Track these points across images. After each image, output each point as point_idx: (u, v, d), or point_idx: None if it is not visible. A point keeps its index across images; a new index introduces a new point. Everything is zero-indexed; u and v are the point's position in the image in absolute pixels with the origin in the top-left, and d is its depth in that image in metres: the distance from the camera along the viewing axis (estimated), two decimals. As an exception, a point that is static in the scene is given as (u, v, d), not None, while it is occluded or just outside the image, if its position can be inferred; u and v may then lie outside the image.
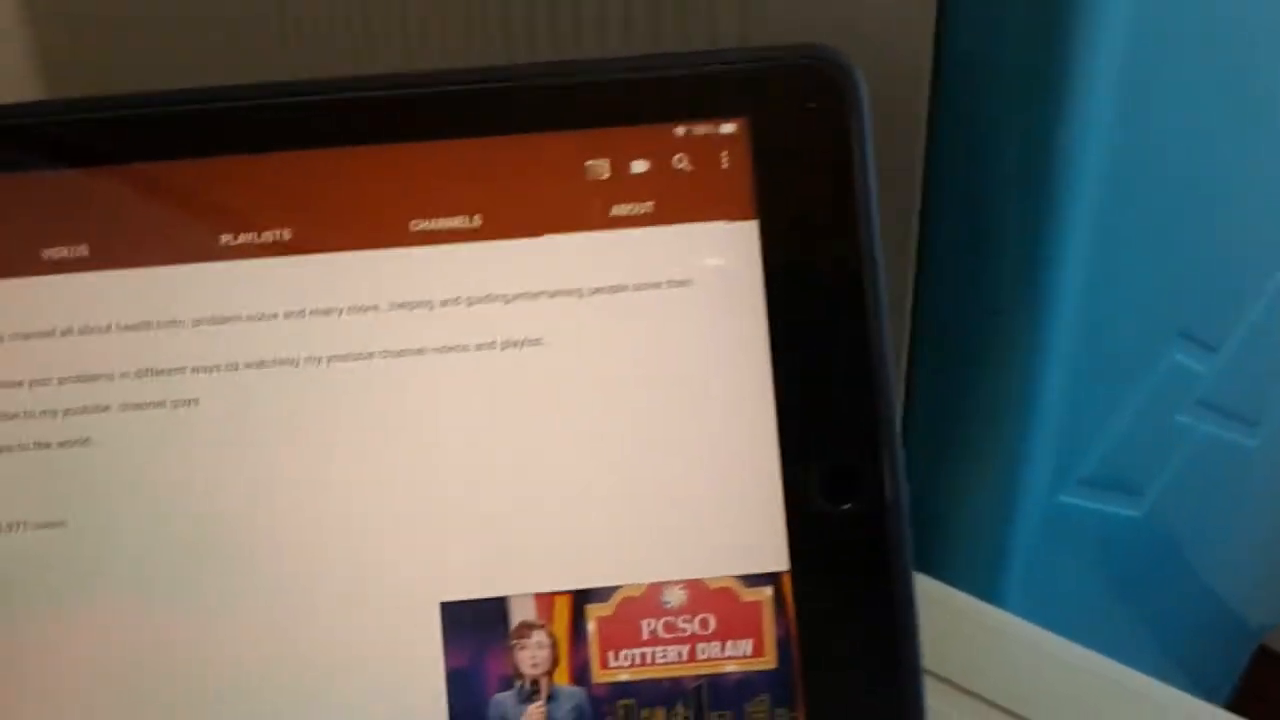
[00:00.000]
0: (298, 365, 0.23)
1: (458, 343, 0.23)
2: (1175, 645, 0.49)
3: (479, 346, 0.23)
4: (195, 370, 0.23)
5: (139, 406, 0.23)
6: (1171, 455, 0.41)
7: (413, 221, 0.23)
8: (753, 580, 0.23)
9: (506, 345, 0.23)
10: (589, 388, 0.23)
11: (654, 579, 0.23)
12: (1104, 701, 0.29)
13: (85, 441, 0.23)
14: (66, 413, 0.23)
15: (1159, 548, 0.45)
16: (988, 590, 0.35)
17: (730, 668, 0.23)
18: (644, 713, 0.23)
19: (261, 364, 0.23)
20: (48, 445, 0.23)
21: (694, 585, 0.23)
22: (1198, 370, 0.39)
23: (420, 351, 0.23)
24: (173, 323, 0.23)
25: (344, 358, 0.23)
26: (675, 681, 0.23)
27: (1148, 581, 0.45)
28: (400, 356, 0.23)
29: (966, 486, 0.34)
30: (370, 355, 0.23)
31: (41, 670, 0.23)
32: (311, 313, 0.23)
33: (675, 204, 0.24)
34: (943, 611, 0.30)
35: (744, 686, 0.23)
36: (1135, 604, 0.46)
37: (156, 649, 0.23)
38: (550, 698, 0.23)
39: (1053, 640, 0.31)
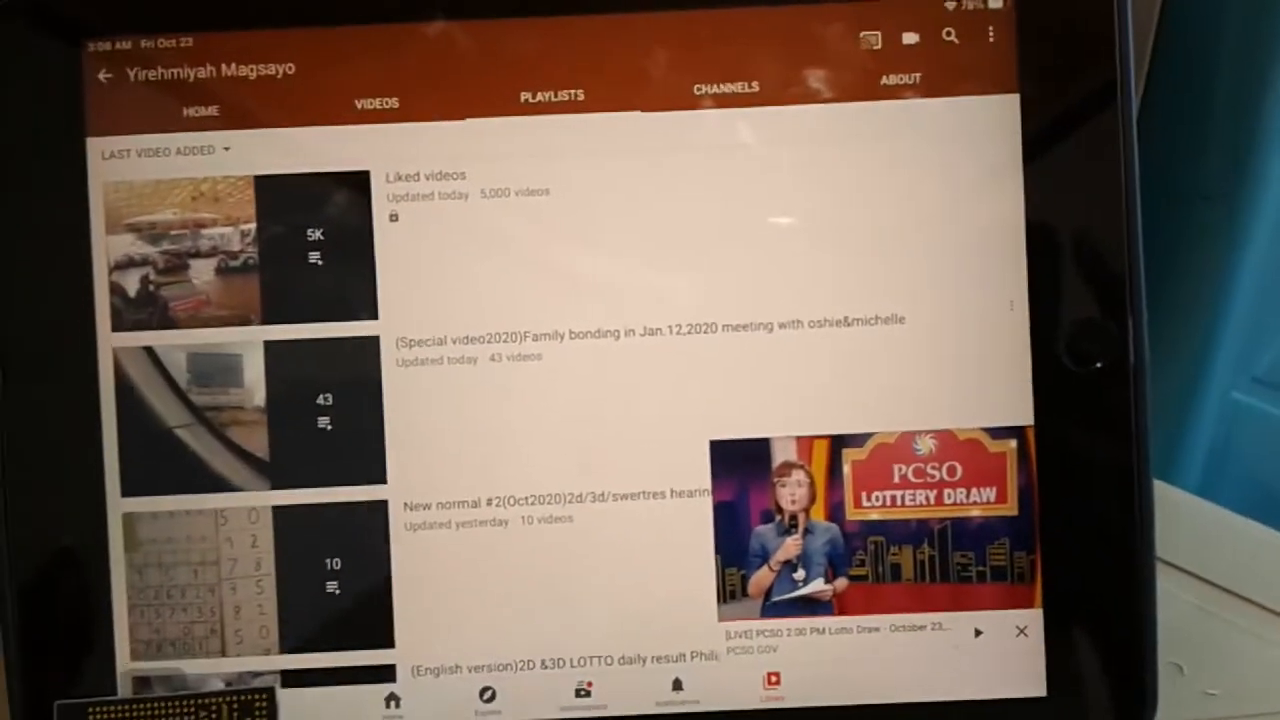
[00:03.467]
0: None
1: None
2: None
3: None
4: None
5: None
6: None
7: (696, 86, 0.25)
8: (999, 433, 0.25)
9: (780, 208, 0.25)
10: (854, 245, 0.25)
11: (907, 428, 0.25)
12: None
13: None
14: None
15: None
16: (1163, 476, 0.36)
17: (974, 513, 0.25)
18: (892, 549, 0.25)
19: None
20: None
21: (944, 435, 0.25)
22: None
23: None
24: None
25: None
26: (922, 523, 0.25)
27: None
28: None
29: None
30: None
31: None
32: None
33: (942, 76, 0.25)
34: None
35: (985, 530, 0.25)
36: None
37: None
38: (807, 531, 0.25)
39: (1235, 518, 0.32)
